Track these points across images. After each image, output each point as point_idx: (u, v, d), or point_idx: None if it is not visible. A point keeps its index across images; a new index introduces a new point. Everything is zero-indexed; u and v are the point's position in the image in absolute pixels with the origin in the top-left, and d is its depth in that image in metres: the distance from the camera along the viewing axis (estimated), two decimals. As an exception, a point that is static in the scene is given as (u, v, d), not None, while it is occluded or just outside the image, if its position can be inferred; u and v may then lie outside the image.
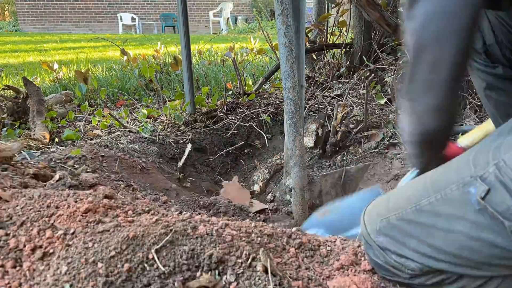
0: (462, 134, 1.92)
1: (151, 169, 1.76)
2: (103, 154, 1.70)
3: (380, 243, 0.83)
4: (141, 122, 2.36)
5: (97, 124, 2.27)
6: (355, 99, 2.35)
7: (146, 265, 0.78)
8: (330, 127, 2.01)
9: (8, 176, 1.21)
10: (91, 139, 2.04)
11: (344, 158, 1.98)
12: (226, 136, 2.32)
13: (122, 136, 2.08)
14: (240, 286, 0.77)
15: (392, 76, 2.32)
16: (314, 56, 3.07)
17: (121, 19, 12.61)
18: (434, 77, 0.73)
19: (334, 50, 2.95)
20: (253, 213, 1.62)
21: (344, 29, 2.92)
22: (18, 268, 0.85)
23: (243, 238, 0.91)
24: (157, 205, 1.30)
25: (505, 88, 1.14)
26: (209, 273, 0.78)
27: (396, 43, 2.55)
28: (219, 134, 2.33)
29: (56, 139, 1.99)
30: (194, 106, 2.48)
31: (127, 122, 2.35)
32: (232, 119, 2.39)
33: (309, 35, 2.99)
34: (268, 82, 2.98)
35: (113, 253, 0.80)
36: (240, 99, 2.58)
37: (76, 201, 1.04)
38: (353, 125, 2.07)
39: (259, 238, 0.94)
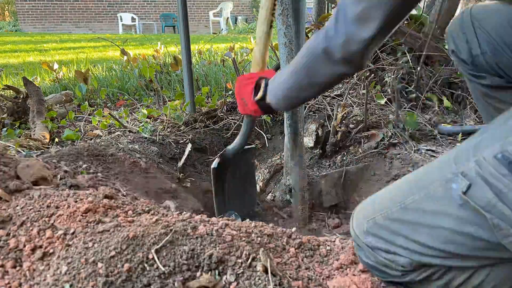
0: (462, 135, 1.92)
1: (151, 169, 1.76)
2: (103, 154, 1.70)
3: (369, 243, 0.85)
4: (141, 122, 2.36)
5: (97, 124, 2.27)
6: (355, 99, 2.35)
7: (146, 265, 0.78)
8: (330, 127, 2.01)
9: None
10: (91, 139, 2.04)
11: (344, 158, 1.98)
12: (226, 136, 2.32)
13: (122, 136, 2.08)
14: (240, 286, 0.77)
15: (392, 76, 2.32)
16: (314, 56, 3.07)
17: (121, 19, 12.62)
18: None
19: (334, 50, 2.94)
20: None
21: (344, 29, 2.91)
22: (18, 268, 0.85)
23: (243, 238, 0.91)
24: (157, 205, 1.30)
25: (497, 96, 1.17)
26: (209, 273, 0.78)
27: (396, 43, 2.54)
28: (219, 134, 2.33)
29: (56, 139, 1.99)
30: (194, 106, 2.47)
31: (127, 122, 2.35)
32: (232, 119, 2.39)
33: (309, 35, 2.99)
34: (268, 82, 2.98)
35: (113, 253, 0.80)
36: (240, 99, 2.58)
37: (76, 201, 1.04)
38: (353, 125, 2.07)
39: (259, 238, 0.94)
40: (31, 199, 1.06)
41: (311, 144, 2.07)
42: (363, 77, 2.45)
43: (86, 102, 2.77)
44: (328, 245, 1.00)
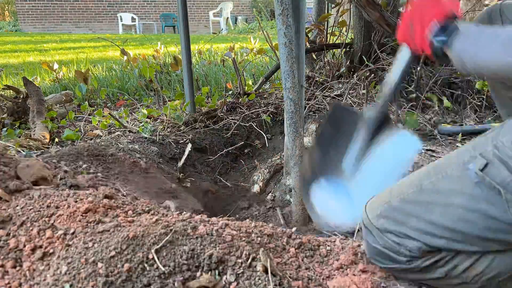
0: (462, 135, 1.92)
1: (151, 169, 1.76)
2: (103, 154, 1.70)
3: (381, 225, 0.86)
4: (141, 122, 2.36)
5: (97, 124, 2.27)
6: (355, 99, 2.35)
7: (146, 265, 0.78)
8: (330, 127, 2.01)
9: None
10: (91, 139, 2.04)
11: (344, 158, 1.98)
12: (226, 136, 2.32)
13: (122, 136, 2.08)
14: (240, 286, 0.77)
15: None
16: (314, 56, 3.07)
17: (121, 19, 12.62)
18: None
19: (334, 50, 2.95)
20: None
21: (344, 29, 2.92)
22: (18, 268, 0.85)
23: (243, 238, 0.91)
24: (157, 205, 1.30)
25: None
26: (209, 273, 0.78)
27: (396, 43, 2.54)
28: (219, 134, 2.33)
29: (56, 139, 1.99)
30: (194, 106, 2.48)
31: (127, 122, 2.36)
32: (232, 119, 2.39)
33: (309, 35, 2.99)
34: (268, 82, 2.98)
35: (113, 253, 0.80)
36: (240, 99, 2.58)
37: (76, 201, 1.04)
38: (353, 125, 2.07)
39: (259, 238, 0.94)
40: (31, 199, 1.06)
41: (311, 144, 2.07)
42: (363, 77, 2.45)
43: (86, 102, 2.77)
44: (328, 245, 1.00)
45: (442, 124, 2.05)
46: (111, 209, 1.05)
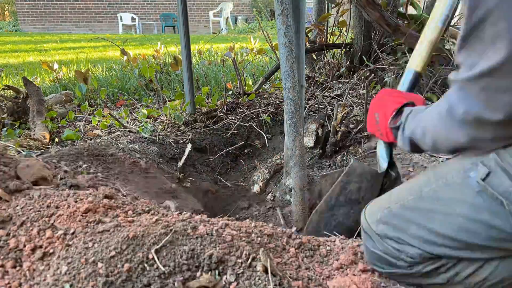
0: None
1: (151, 169, 1.76)
2: (103, 154, 1.70)
3: (380, 231, 0.85)
4: (141, 122, 2.36)
5: (97, 124, 2.27)
6: (355, 99, 2.35)
7: (146, 265, 0.78)
8: (330, 127, 2.01)
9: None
10: (91, 139, 2.04)
11: (344, 158, 1.98)
12: (226, 136, 2.32)
13: (122, 136, 2.08)
14: (240, 286, 0.77)
15: (392, 76, 2.32)
16: (314, 56, 3.07)
17: (121, 19, 12.62)
18: None
19: (334, 50, 2.95)
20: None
21: (344, 29, 2.92)
22: (18, 268, 0.85)
23: (243, 238, 0.91)
24: (157, 205, 1.30)
25: None
26: (209, 273, 0.78)
27: (396, 43, 2.54)
28: (219, 134, 2.33)
29: (56, 139, 1.99)
30: (194, 106, 2.48)
31: (127, 122, 2.35)
32: (232, 119, 2.39)
33: (309, 35, 2.99)
34: (268, 82, 2.98)
35: (113, 253, 0.80)
36: (240, 99, 2.58)
37: (76, 201, 1.04)
38: (353, 125, 2.07)
39: (259, 238, 0.94)
40: (31, 199, 1.06)
41: (311, 144, 2.07)
42: (363, 77, 2.45)
43: (86, 102, 2.77)
44: (328, 245, 1.00)
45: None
46: (111, 209, 1.05)
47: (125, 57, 3.63)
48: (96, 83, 3.10)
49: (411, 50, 2.43)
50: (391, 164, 1.15)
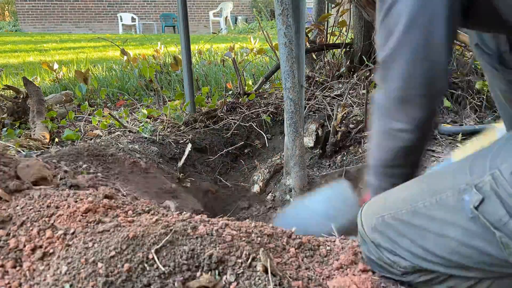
0: (462, 135, 1.92)
1: (151, 169, 1.76)
2: (103, 154, 1.70)
3: (374, 240, 0.85)
4: (141, 122, 2.36)
5: (97, 124, 2.27)
6: (355, 99, 2.35)
7: (146, 265, 0.78)
8: (330, 127, 2.01)
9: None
10: (91, 139, 2.04)
11: (344, 158, 1.98)
12: (226, 136, 2.32)
13: (122, 136, 2.08)
14: (240, 286, 0.77)
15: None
16: (314, 56, 3.07)
17: (121, 19, 12.61)
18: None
19: (334, 50, 2.95)
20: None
21: (344, 29, 2.92)
22: (18, 268, 0.85)
23: (243, 238, 0.91)
24: (157, 204, 1.30)
25: None
26: (209, 273, 0.78)
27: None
28: (219, 134, 2.33)
29: (56, 139, 1.99)
30: (194, 106, 2.48)
31: (127, 122, 2.35)
32: (232, 119, 2.39)
33: (309, 35, 2.99)
34: (268, 82, 2.98)
35: (113, 253, 0.80)
36: (240, 99, 2.58)
37: (76, 201, 1.04)
38: (353, 125, 2.07)
39: (259, 238, 0.94)
40: (31, 199, 1.06)
41: (311, 144, 2.07)
42: (363, 77, 2.45)
43: (86, 102, 2.77)
44: (328, 245, 1.00)
45: (442, 124, 2.05)
46: (111, 209, 1.05)
47: (125, 57, 3.63)
48: (96, 83, 3.10)
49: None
50: None
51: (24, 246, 0.89)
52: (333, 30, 2.99)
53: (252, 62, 3.83)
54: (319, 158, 2.07)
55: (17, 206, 1.02)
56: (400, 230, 0.80)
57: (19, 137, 2.00)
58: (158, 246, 0.81)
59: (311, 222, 1.21)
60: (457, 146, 1.86)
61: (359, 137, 2.02)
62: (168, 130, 2.22)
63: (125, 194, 1.31)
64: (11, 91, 2.56)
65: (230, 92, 2.80)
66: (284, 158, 1.87)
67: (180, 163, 1.94)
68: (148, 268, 0.78)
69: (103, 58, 5.51)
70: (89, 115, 2.48)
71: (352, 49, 2.76)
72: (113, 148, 1.81)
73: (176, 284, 0.75)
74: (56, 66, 3.43)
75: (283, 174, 1.91)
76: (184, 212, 1.07)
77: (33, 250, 0.88)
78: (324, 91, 2.60)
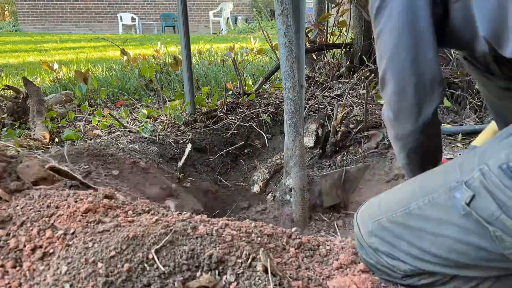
0: (462, 135, 1.92)
1: (151, 169, 1.76)
2: (103, 154, 1.70)
3: (372, 244, 0.85)
4: (141, 122, 2.36)
5: (97, 124, 2.27)
6: (355, 99, 2.35)
7: (146, 265, 0.78)
8: (330, 127, 2.01)
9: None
10: (91, 139, 2.04)
11: (344, 158, 1.98)
12: (226, 136, 2.32)
13: (122, 136, 2.08)
14: (240, 286, 0.77)
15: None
16: (314, 56, 3.07)
17: (121, 19, 12.61)
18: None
19: (334, 50, 2.95)
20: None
21: (344, 29, 2.92)
22: (18, 268, 0.85)
23: (243, 238, 0.91)
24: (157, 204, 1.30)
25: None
26: (209, 273, 0.78)
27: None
28: (219, 134, 2.33)
29: (56, 139, 1.99)
30: (194, 106, 2.47)
31: (127, 122, 2.35)
32: (232, 119, 2.39)
33: (309, 35, 2.99)
34: (268, 82, 2.98)
35: (113, 253, 0.80)
36: (240, 99, 2.58)
37: (76, 201, 1.04)
38: (353, 125, 2.07)
39: (259, 238, 0.94)
40: (31, 199, 1.06)
41: (311, 144, 2.07)
42: (363, 77, 2.45)
43: (86, 102, 2.77)
44: (328, 245, 1.00)
45: (442, 124, 2.05)
46: (111, 209, 1.05)
47: (125, 57, 3.63)
48: (96, 83, 3.10)
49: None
50: None
51: (24, 246, 0.89)
52: (333, 30, 2.99)
53: (252, 62, 3.83)
54: (319, 158, 2.07)
55: (17, 206, 1.02)
56: (397, 232, 0.80)
57: (19, 137, 2.00)
58: (158, 246, 0.81)
59: None
60: (457, 146, 1.86)
61: (359, 137, 2.02)
62: (168, 130, 2.22)
63: (125, 194, 1.31)
64: (11, 91, 2.56)
65: (230, 92, 2.80)
66: (284, 158, 1.87)
67: (180, 163, 1.94)
68: (148, 268, 0.78)
69: (103, 58, 5.51)
70: (89, 115, 2.48)
71: (352, 49, 2.76)
72: (113, 148, 1.81)
73: (176, 284, 0.75)
74: (56, 66, 3.43)
75: (283, 174, 1.91)
76: (184, 212, 1.07)
77: (33, 250, 0.88)
78: (324, 91, 2.60)
